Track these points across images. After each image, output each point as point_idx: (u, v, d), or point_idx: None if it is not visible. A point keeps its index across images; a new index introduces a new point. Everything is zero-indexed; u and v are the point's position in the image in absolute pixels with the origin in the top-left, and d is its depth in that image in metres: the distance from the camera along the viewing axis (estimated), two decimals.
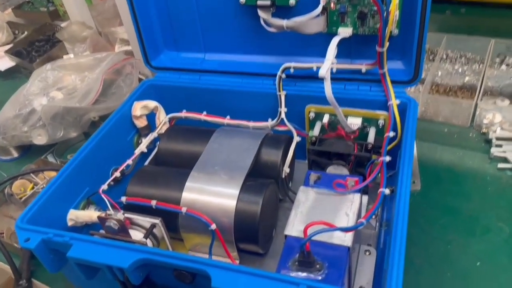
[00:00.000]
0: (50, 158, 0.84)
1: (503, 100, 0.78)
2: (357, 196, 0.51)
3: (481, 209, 0.64)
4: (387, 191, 0.50)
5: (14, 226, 0.59)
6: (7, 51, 1.13)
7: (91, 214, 0.54)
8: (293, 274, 0.44)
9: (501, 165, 0.69)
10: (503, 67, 0.86)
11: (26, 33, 1.28)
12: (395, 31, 0.59)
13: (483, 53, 0.88)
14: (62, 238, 0.48)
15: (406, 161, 0.51)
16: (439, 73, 0.88)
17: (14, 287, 0.63)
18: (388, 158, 0.54)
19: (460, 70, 0.87)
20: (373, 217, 0.61)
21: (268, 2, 0.60)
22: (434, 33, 0.93)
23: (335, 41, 0.57)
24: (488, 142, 0.73)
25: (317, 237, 0.45)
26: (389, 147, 0.57)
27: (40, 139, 0.81)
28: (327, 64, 0.55)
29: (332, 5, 0.59)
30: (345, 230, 0.45)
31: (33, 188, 0.76)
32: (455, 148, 0.74)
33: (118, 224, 0.51)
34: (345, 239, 0.46)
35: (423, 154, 0.74)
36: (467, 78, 0.85)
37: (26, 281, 0.63)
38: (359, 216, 0.51)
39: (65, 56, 0.93)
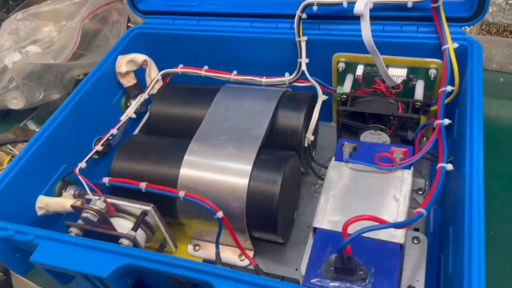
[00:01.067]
0: (31, 125, 0.72)
1: None
2: (407, 173, 0.39)
3: None
4: (449, 166, 0.37)
5: None
6: None
7: (63, 203, 0.42)
8: (327, 283, 0.33)
9: None
10: None
11: None
12: None
13: None
14: (26, 236, 0.37)
15: (475, 123, 0.38)
16: (490, 9, 0.72)
17: None
18: (447, 121, 0.41)
19: None
20: (420, 192, 0.49)
21: None
22: None
23: None
24: None
25: (367, 235, 0.33)
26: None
27: (15, 103, 0.69)
28: None
29: None
30: (400, 226, 0.33)
31: (10, 161, 0.65)
32: None
33: (97, 215, 0.39)
34: (396, 234, 0.34)
35: (502, 120, 0.60)
36: None
37: (4, 273, 0.53)
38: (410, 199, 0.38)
39: (42, 3, 0.79)
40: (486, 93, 0.62)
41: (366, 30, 0.41)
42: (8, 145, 0.66)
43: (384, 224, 0.31)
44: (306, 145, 0.48)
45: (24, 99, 0.69)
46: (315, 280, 0.33)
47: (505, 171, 0.53)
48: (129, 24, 0.76)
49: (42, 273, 0.52)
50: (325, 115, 0.55)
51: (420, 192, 0.49)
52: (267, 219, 0.42)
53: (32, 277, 0.53)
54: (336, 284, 0.32)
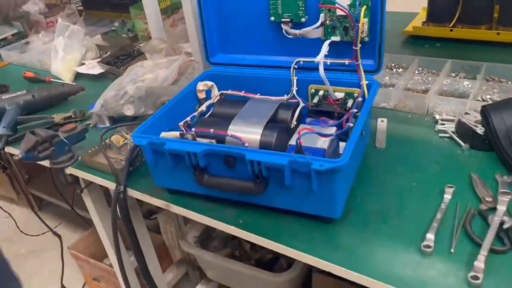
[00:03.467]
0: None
1: (450, 98, 1.11)
2: (333, 128, 0.85)
3: (424, 158, 0.96)
4: (351, 124, 0.84)
5: (114, 163, 0.94)
6: (99, 62, 1.55)
7: (175, 134, 0.89)
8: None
9: (441, 134, 1.01)
10: (456, 78, 1.20)
11: (109, 53, 1.71)
12: (366, 39, 0.94)
13: (446, 70, 1.22)
14: (160, 140, 0.84)
15: (365, 110, 0.85)
16: (411, 82, 1.22)
17: (114, 190, 0.98)
18: (355, 110, 0.88)
19: (426, 80, 1.21)
20: None
21: (288, 19, 0.98)
22: (411, 56, 1.30)
23: (326, 43, 0.94)
24: (436, 122, 1.06)
25: (306, 144, 0.79)
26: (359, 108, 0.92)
27: (129, 111, 1.19)
28: (322, 53, 0.91)
29: (327, 21, 0.96)
30: (323, 135, 0.79)
31: (124, 140, 1.12)
32: (414, 126, 1.07)
33: (191, 137, 0.86)
34: (323, 145, 0.80)
35: (393, 130, 1.06)
36: (429, 85, 1.19)
37: (124, 186, 0.98)
38: (334, 148, 0.84)
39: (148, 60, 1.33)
40: (401, 122, 1.09)
41: (321, 69, 0.90)
42: (122, 132, 1.14)
43: (314, 132, 0.77)
44: (291, 126, 0.95)
45: (134, 111, 1.19)
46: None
47: (399, 155, 0.98)
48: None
49: (146, 189, 0.96)
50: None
51: None
52: None
53: (141, 190, 0.98)
54: None
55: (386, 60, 1.31)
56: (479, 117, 0.97)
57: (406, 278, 0.70)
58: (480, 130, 0.94)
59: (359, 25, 0.90)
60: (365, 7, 0.90)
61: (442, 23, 1.46)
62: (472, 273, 0.68)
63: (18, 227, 1.94)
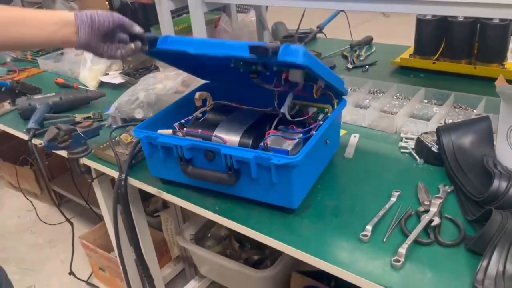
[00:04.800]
0: None
1: (417, 120, 1.26)
2: (300, 135, 1.01)
3: (383, 168, 1.10)
4: (314, 132, 0.99)
5: (120, 157, 1.13)
6: (120, 73, 1.77)
7: (169, 131, 1.07)
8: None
9: (402, 150, 1.15)
10: (427, 104, 1.34)
11: (131, 66, 1.93)
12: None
13: (419, 96, 1.37)
14: (155, 135, 1.02)
15: (329, 120, 1.01)
16: (388, 105, 1.37)
17: (117, 178, 1.16)
18: (321, 122, 1.04)
19: (402, 104, 1.36)
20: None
21: (256, 75, 1.14)
22: (391, 83, 1.45)
23: (289, 97, 1.09)
24: (401, 140, 1.20)
25: (273, 145, 0.95)
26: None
27: (139, 115, 1.38)
28: (286, 105, 1.06)
29: None
30: (289, 139, 0.95)
31: (131, 138, 1.31)
32: (381, 142, 1.21)
33: (182, 134, 1.04)
34: (288, 147, 0.96)
35: (363, 144, 1.21)
36: (403, 109, 1.33)
37: (125, 174, 1.15)
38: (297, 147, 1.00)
39: (159, 72, 1.53)
40: (371, 139, 1.24)
41: (288, 117, 1.07)
42: (130, 131, 1.33)
43: (280, 135, 0.93)
44: None
45: (143, 114, 1.38)
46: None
47: (364, 165, 1.12)
48: None
49: (145, 178, 1.14)
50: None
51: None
52: None
53: (141, 179, 1.16)
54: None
55: (368, 85, 1.47)
56: (435, 137, 1.11)
57: (341, 258, 0.84)
58: (435, 148, 1.08)
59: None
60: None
61: (427, 56, 1.61)
62: (395, 257, 0.81)
63: (38, 215, 2.15)
